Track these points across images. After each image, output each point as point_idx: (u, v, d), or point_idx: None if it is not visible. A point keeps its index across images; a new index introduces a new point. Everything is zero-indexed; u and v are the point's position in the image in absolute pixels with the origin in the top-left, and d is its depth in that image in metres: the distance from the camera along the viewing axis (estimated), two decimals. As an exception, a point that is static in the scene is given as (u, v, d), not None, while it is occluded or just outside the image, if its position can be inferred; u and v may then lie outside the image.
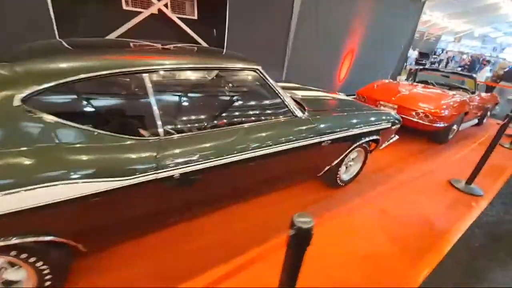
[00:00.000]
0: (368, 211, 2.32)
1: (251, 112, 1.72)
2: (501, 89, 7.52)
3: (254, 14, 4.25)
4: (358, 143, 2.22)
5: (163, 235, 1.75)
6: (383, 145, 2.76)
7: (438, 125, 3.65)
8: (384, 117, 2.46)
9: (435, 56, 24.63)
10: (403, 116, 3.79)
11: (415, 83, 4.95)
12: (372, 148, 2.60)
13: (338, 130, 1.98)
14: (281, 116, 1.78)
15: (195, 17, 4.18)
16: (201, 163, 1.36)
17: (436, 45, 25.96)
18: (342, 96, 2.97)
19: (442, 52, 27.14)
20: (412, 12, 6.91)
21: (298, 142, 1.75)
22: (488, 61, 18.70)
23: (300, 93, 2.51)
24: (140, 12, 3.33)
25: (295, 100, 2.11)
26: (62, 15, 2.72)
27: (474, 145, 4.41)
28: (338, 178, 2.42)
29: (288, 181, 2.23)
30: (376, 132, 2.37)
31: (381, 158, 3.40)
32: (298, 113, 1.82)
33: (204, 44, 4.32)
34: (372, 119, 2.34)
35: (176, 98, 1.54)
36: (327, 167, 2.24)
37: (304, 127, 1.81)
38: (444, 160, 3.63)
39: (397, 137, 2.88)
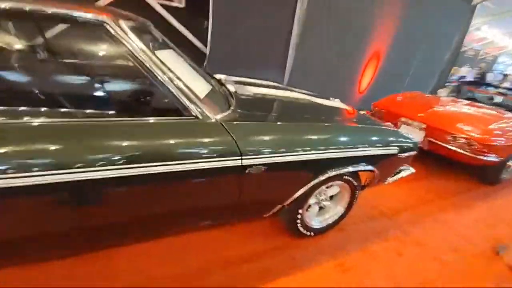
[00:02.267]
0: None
1: (101, 101, 0.98)
2: None
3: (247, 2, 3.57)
4: (330, 174, 1.33)
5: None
6: (389, 180, 1.80)
7: (485, 158, 2.50)
8: (387, 138, 1.53)
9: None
10: (434, 141, 2.73)
11: (458, 100, 3.76)
12: (366, 182, 1.67)
13: (284, 149, 1.14)
14: (165, 114, 1.01)
15: (182, 5, 3.64)
16: None
17: (492, 66, 22.61)
18: (332, 102, 2.07)
19: (505, 77, 23.42)
20: (458, 16, 5.62)
21: (189, 163, 0.95)
22: None
23: (257, 90, 1.71)
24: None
25: (228, 94, 1.33)
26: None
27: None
28: (300, 224, 1.53)
29: (199, 222, 1.37)
30: (369, 159, 1.45)
31: (392, 195, 2.38)
32: (198, 111, 1.02)
33: (193, 39, 3.77)
34: (364, 139, 1.43)
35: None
36: (278, 206, 1.38)
37: (205, 138, 1.01)
38: (490, 211, 2.45)
39: (412, 170, 1.89)
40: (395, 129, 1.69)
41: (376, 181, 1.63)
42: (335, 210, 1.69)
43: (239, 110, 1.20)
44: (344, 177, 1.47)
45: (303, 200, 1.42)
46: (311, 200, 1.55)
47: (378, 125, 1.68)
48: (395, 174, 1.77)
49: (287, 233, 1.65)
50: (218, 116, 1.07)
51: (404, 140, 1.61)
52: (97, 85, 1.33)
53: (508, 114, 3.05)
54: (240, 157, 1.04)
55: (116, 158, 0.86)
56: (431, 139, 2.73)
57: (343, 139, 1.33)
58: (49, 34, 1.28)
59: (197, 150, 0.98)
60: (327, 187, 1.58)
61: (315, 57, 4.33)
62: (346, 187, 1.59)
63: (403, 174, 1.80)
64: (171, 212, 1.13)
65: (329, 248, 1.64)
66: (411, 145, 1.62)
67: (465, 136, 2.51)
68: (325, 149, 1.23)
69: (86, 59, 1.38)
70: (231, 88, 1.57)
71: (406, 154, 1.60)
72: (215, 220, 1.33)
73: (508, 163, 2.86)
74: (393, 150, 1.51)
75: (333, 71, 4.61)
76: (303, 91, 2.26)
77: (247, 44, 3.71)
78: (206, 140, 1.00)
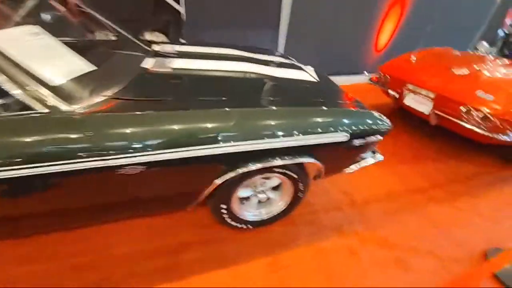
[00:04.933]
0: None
1: None
2: None
3: None
4: (250, 168, 1.10)
5: None
6: (352, 168, 1.49)
7: (505, 137, 1.95)
8: (336, 123, 1.19)
9: None
10: (443, 114, 2.21)
11: (499, 58, 2.91)
12: (315, 174, 1.39)
13: (166, 145, 0.92)
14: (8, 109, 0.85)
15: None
16: None
17: None
18: (295, 73, 1.68)
19: None
20: None
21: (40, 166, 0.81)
22: None
23: (187, 63, 1.43)
24: None
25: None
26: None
27: None
28: (229, 217, 1.37)
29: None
30: (306, 149, 1.16)
31: (375, 180, 2.06)
32: (45, 103, 0.82)
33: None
34: (300, 125, 1.11)
35: None
36: (196, 201, 1.22)
37: (51, 135, 0.83)
38: (500, 202, 1.99)
39: (379, 158, 1.53)
40: (354, 110, 1.30)
41: (325, 172, 1.34)
42: (278, 202, 1.48)
43: (121, 96, 0.99)
44: (275, 169, 1.22)
45: (225, 194, 1.24)
46: (244, 193, 1.36)
47: (335, 105, 1.31)
48: (356, 162, 1.45)
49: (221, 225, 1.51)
50: (77, 107, 0.88)
51: (362, 124, 1.24)
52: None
53: None
54: (102, 157, 0.87)
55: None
56: (439, 112, 2.20)
57: (263, 127, 1.05)
58: None
59: (43, 150, 0.83)
60: (266, 178, 1.37)
61: (317, 10, 3.63)
62: (285, 179, 1.35)
63: (366, 162, 1.46)
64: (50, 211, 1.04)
65: (269, 243, 1.48)
66: (370, 130, 1.26)
67: (478, 109, 1.95)
68: (228, 142, 0.98)
69: None
70: (148, 63, 1.33)
71: (362, 141, 1.25)
72: (119, 214, 1.23)
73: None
74: (341, 137, 1.19)
75: (340, 27, 3.87)
76: (269, 58, 1.89)
77: (228, 1, 3.21)
78: (52, 137, 0.84)
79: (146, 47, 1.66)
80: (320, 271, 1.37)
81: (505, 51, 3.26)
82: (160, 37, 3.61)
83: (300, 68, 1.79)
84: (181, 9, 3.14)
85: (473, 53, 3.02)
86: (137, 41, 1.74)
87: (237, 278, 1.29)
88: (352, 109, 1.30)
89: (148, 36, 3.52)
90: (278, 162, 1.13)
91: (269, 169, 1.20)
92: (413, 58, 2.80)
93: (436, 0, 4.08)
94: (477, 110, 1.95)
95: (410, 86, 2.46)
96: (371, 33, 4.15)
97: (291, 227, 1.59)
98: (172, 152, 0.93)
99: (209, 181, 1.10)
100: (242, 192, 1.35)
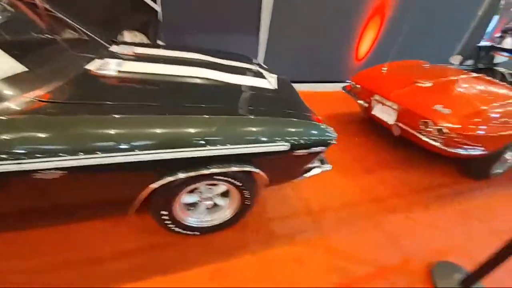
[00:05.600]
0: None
1: None
2: None
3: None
4: (181, 176, 1.09)
5: None
6: (304, 176, 1.50)
7: (463, 151, 2.00)
8: (276, 133, 1.20)
9: None
10: (403, 126, 2.26)
11: (465, 70, 3.01)
12: (263, 182, 1.39)
13: (84, 151, 0.90)
14: None
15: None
16: None
17: None
18: (248, 79, 1.68)
19: None
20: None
21: None
22: None
23: (133, 66, 1.41)
24: None
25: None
26: None
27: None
28: (172, 224, 1.35)
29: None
30: (242, 158, 1.16)
31: (338, 187, 2.08)
32: None
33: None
34: (234, 134, 1.11)
35: None
36: (133, 207, 1.20)
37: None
38: (456, 215, 2.03)
39: (327, 167, 1.55)
40: (299, 121, 1.31)
41: (270, 181, 1.34)
42: (226, 209, 1.47)
43: (52, 99, 0.97)
44: (216, 177, 1.22)
45: (164, 200, 1.23)
46: (189, 199, 1.35)
47: (283, 115, 1.32)
48: (303, 171, 1.46)
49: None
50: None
51: (305, 135, 1.25)
52: None
53: None
54: (17, 161, 0.84)
55: None
56: (401, 124, 2.25)
57: (192, 135, 1.04)
58: None
59: None
60: (213, 185, 1.36)
61: (298, 18, 3.68)
62: (231, 187, 1.34)
63: (313, 172, 1.48)
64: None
65: (215, 250, 1.46)
66: (314, 141, 1.27)
67: (436, 122, 2.00)
68: (156, 149, 0.98)
69: None
70: (94, 65, 1.31)
71: (304, 151, 1.27)
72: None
73: (504, 155, 2.31)
74: (281, 147, 1.19)
75: (321, 35, 3.93)
76: (233, 64, 1.90)
77: (207, 5, 3.22)
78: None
79: (105, 48, 1.64)
80: (262, 281, 1.37)
81: (479, 65, 3.35)
82: (139, 37, 3.58)
83: (260, 76, 1.80)
84: (158, 7, 3.12)
85: (444, 66, 3.11)
86: (96, 42, 1.72)
87: (174, 287, 1.28)
88: (298, 119, 1.30)
89: (127, 36, 3.49)
90: (212, 170, 1.13)
91: (209, 176, 1.20)
92: (384, 69, 2.87)
93: (416, 12, 4.18)
94: (434, 123, 2.00)
95: (377, 97, 2.50)
96: (352, 42, 4.23)
97: (241, 234, 1.58)
98: (98, 157, 0.91)
99: (141, 187, 1.08)
100: (186, 198, 1.34)
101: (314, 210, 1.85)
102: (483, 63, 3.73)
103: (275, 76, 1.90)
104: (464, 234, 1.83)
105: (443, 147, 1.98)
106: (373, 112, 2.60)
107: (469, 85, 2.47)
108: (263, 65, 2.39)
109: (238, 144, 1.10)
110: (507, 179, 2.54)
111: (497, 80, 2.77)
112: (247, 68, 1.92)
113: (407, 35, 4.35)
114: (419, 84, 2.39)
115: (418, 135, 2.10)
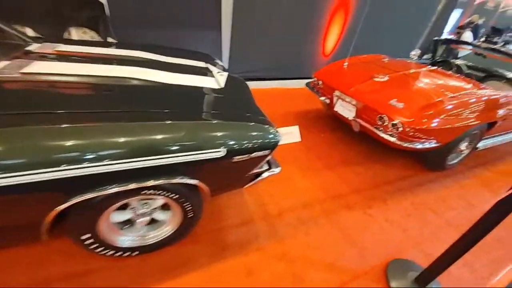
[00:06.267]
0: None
1: None
2: None
3: None
4: (92, 196, 0.94)
5: None
6: (251, 183, 1.40)
7: (418, 145, 2.02)
8: (209, 138, 1.08)
9: (511, 34, 18.66)
10: (362, 122, 2.25)
11: (422, 64, 3.08)
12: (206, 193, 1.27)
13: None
14: None
15: None
16: None
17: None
18: (195, 79, 1.54)
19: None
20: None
21: None
22: None
23: (45, 67, 1.22)
24: None
25: None
26: None
27: (495, 182, 2.62)
28: (96, 246, 1.18)
29: None
30: (167, 170, 1.03)
31: (297, 188, 2.02)
32: None
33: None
34: (158, 143, 0.98)
35: None
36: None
37: None
38: (415, 208, 2.07)
39: (276, 171, 1.47)
40: (237, 123, 1.20)
41: (212, 191, 1.23)
42: (167, 225, 1.34)
43: None
44: (144, 192, 1.08)
45: (84, 222, 1.07)
46: (120, 217, 1.20)
47: (221, 117, 1.20)
48: (249, 178, 1.36)
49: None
50: None
51: (244, 139, 1.15)
52: None
53: (467, 85, 2.41)
54: None
55: None
56: (359, 120, 2.23)
57: (103, 146, 0.90)
58: None
59: None
60: (148, 199, 1.22)
61: (261, 14, 3.57)
62: (168, 200, 1.21)
63: (262, 177, 1.39)
64: None
65: (160, 268, 1.33)
66: (254, 145, 1.17)
67: (391, 116, 2.00)
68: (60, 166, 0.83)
69: None
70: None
71: (245, 157, 1.16)
72: None
73: (459, 147, 2.39)
74: (214, 153, 1.08)
75: (287, 31, 3.85)
76: (178, 62, 1.75)
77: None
78: None
79: (18, 47, 1.42)
80: (208, 298, 1.26)
81: (437, 58, 3.45)
82: (89, 34, 3.28)
83: (207, 74, 1.67)
84: (103, 0, 2.85)
85: (402, 60, 3.16)
86: (8, 41, 1.48)
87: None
88: (237, 122, 1.20)
89: (75, 33, 3.17)
90: (130, 186, 0.99)
91: (135, 192, 1.06)
92: (345, 64, 2.85)
93: (378, 6, 4.23)
94: (389, 118, 2.00)
95: (337, 93, 2.47)
96: (317, 38, 4.20)
97: (188, 249, 1.46)
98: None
99: (44, 210, 0.92)
100: (116, 216, 1.19)
101: (271, 214, 1.77)
102: (443, 56, 3.88)
103: (226, 74, 1.78)
104: (420, 229, 1.85)
105: (398, 142, 1.98)
106: (335, 109, 2.57)
107: (424, 79, 2.51)
108: (219, 62, 2.25)
109: (157, 155, 0.97)
110: (463, 169, 2.64)
111: (452, 73, 2.86)
112: (194, 66, 1.78)
113: (369, 30, 4.39)
114: (376, 79, 2.39)
115: (375, 130, 2.08)
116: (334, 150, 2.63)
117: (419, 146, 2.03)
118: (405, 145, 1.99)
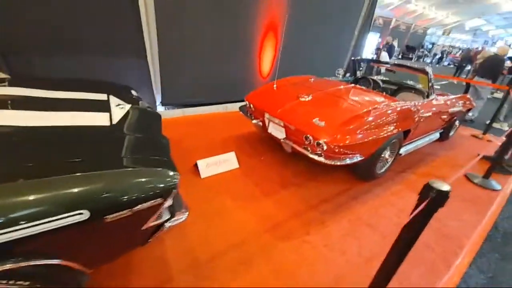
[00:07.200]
0: None
1: None
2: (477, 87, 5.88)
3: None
4: None
5: None
6: (148, 240, 1.15)
7: (343, 162, 2.04)
8: (46, 198, 0.80)
9: (422, 50, 22.81)
10: (293, 144, 2.20)
11: (344, 82, 3.32)
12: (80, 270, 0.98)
13: None
14: None
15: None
16: None
17: (424, 38, 24.23)
18: (87, 116, 1.30)
19: (432, 46, 25.27)
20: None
21: None
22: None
23: None
24: None
25: None
26: None
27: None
28: None
29: None
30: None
31: (234, 222, 1.79)
32: None
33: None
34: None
35: None
36: None
37: None
38: (351, 223, 2.04)
39: (183, 216, 1.27)
40: (114, 171, 0.97)
41: (86, 266, 0.94)
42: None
43: None
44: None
45: None
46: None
47: (86, 166, 0.95)
48: (151, 233, 1.12)
49: None
50: None
51: (120, 189, 0.92)
52: None
53: (380, 99, 2.60)
54: None
55: None
56: (288, 141, 2.20)
57: None
58: None
59: None
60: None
61: (189, 40, 3.49)
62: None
63: (162, 229, 1.16)
64: None
65: None
66: (130, 197, 0.93)
67: (315, 136, 2.00)
68: None
69: None
70: None
71: (123, 213, 0.93)
72: None
73: (383, 155, 2.52)
74: (74, 217, 0.82)
75: (218, 55, 3.84)
76: (50, 95, 1.46)
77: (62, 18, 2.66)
78: None
79: None
80: None
81: (358, 75, 3.77)
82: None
83: (100, 109, 1.42)
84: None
85: (326, 79, 3.36)
86: None
87: None
88: (112, 170, 0.95)
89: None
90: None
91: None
92: (275, 86, 2.88)
93: (303, 28, 4.54)
94: (314, 138, 1.99)
95: (267, 115, 2.44)
96: (252, 60, 4.29)
97: None
98: None
99: None
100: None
101: (200, 262, 1.52)
102: (366, 73, 4.28)
103: (128, 107, 1.55)
104: (358, 248, 1.79)
105: (326, 161, 1.97)
106: (269, 131, 2.52)
107: (344, 96, 2.65)
108: (134, 92, 2.02)
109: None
110: (392, 175, 2.79)
111: (369, 88, 3.12)
112: (87, 100, 1.51)
113: (299, 53, 4.70)
114: (302, 99, 2.43)
115: (304, 151, 2.06)
116: (272, 173, 2.54)
117: (348, 161, 2.06)
118: (334, 162, 1.99)
